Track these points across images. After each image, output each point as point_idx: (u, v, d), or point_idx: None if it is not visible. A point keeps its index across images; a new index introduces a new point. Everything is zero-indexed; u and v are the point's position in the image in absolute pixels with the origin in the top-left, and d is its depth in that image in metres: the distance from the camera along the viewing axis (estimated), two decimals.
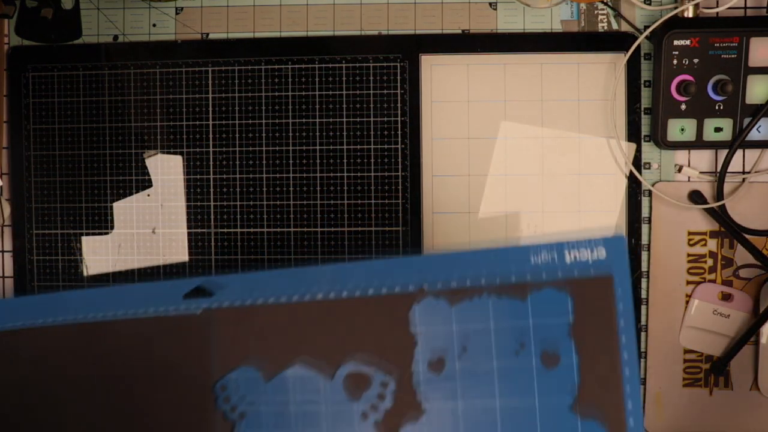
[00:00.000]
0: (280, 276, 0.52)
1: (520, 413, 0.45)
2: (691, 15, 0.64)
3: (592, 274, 0.44)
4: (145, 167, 0.69)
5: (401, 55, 0.67)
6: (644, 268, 0.67)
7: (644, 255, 0.67)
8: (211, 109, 0.68)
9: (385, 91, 0.67)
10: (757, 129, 0.64)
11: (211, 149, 0.68)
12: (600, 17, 0.68)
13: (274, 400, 0.51)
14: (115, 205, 0.69)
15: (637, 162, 0.67)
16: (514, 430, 0.45)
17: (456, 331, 0.47)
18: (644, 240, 0.67)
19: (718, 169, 0.66)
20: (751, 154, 0.67)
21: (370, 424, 0.48)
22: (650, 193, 0.67)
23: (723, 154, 0.66)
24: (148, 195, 0.69)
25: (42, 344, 0.57)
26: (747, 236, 0.65)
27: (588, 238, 0.45)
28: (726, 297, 0.67)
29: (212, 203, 0.69)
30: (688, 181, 0.67)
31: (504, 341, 0.46)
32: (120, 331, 0.55)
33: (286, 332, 0.51)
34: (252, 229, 0.68)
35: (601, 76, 0.67)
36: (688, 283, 0.67)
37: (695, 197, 0.66)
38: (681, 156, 0.67)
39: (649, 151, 0.67)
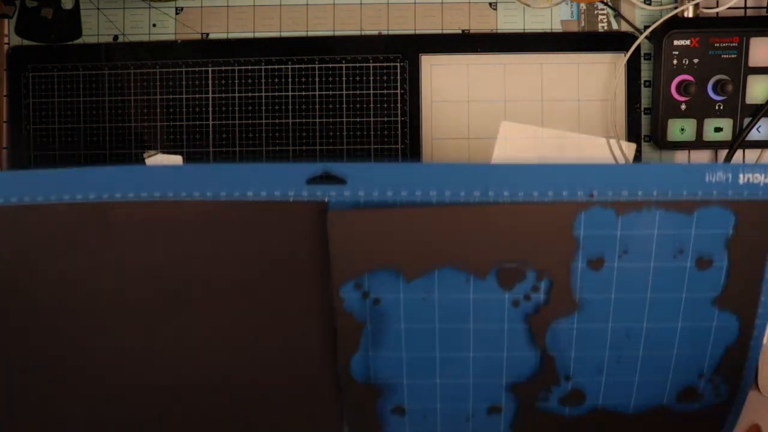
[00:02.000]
0: (431, 170, 0.48)
1: (667, 303, 0.49)
2: (691, 15, 0.64)
3: (760, 197, 0.47)
4: None
5: (401, 55, 0.67)
6: None
7: None
8: (211, 109, 0.68)
9: (385, 91, 0.67)
10: (757, 129, 0.64)
11: (211, 149, 0.68)
12: (600, 17, 0.68)
13: (416, 291, 0.49)
14: None
15: (637, 162, 0.67)
16: (660, 316, 0.50)
17: (619, 236, 0.48)
18: None
19: None
20: (751, 154, 0.67)
21: (521, 316, 0.50)
22: None
23: (723, 154, 0.66)
24: None
25: (122, 223, 0.49)
26: None
27: (761, 164, 0.50)
28: None
29: None
30: None
31: (664, 247, 0.48)
32: (219, 215, 0.49)
33: (433, 236, 0.48)
34: None
35: (601, 76, 0.67)
36: None
37: None
38: (681, 156, 0.67)
39: (649, 151, 0.67)
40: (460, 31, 0.68)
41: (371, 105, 0.67)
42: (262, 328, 0.51)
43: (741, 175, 0.47)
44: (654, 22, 0.65)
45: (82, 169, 0.50)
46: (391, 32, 0.68)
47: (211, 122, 0.68)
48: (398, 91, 0.67)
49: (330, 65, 0.67)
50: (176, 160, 0.67)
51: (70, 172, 0.49)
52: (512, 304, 0.49)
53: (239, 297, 0.51)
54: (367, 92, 0.67)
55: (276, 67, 0.68)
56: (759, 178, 0.47)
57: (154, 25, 0.68)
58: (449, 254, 0.49)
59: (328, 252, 0.49)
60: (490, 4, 0.68)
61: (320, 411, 0.54)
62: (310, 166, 0.48)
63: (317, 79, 0.67)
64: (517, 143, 0.67)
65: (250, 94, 0.68)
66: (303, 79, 0.67)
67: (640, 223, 0.48)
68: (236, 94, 0.68)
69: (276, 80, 0.68)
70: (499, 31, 0.68)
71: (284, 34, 0.68)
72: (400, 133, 0.67)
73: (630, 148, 0.67)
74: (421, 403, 0.53)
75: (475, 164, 0.50)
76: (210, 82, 0.68)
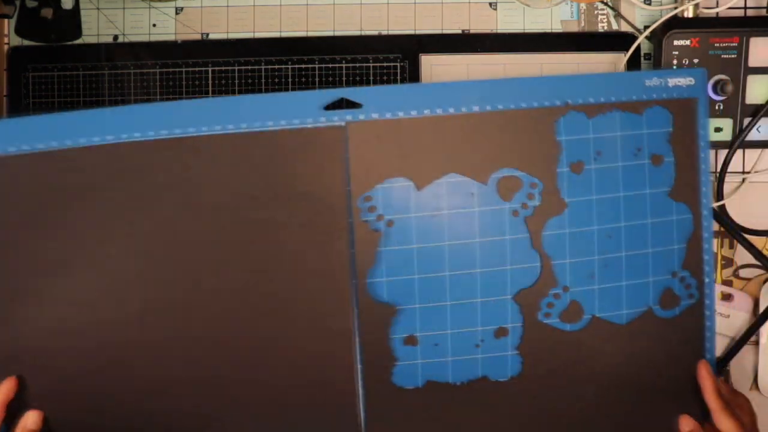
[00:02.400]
0: (431, 89, 0.56)
1: (637, 199, 0.58)
2: (691, 15, 0.64)
3: (685, 96, 0.58)
4: None
5: (401, 55, 0.67)
6: None
7: None
8: None
9: None
10: (757, 129, 0.64)
11: None
12: (600, 17, 0.68)
13: (426, 206, 0.55)
14: None
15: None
16: (632, 212, 0.58)
17: (592, 140, 0.57)
18: None
19: (718, 169, 0.66)
20: (751, 154, 0.67)
21: (521, 220, 0.56)
22: None
23: (723, 154, 0.66)
24: None
25: (149, 159, 0.54)
26: (747, 236, 0.65)
27: (681, 69, 0.62)
28: (726, 297, 0.67)
29: None
30: None
31: (627, 146, 0.57)
32: (244, 146, 0.54)
33: (439, 144, 0.55)
34: None
35: None
36: None
37: None
38: None
39: None
40: (460, 31, 0.68)
41: None
42: (285, 250, 0.55)
43: (670, 80, 0.58)
44: (654, 22, 0.65)
45: (95, 111, 0.54)
46: (391, 32, 0.68)
47: None
48: None
49: (330, 65, 0.67)
50: None
51: (89, 113, 0.54)
52: (512, 214, 0.56)
53: (263, 221, 0.55)
54: None
55: (276, 67, 0.68)
56: (682, 81, 0.58)
57: (154, 25, 0.69)
58: (454, 160, 0.55)
59: (347, 167, 0.54)
60: (490, 4, 0.68)
61: (336, 339, 0.57)
62: (327, 93, 0.54)
63: (317, 79, 0.67)
64: None
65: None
66: (303, 79, 0.67)
67: (606, 125, 0.57)
68: (236, 94, 0.68)
69: (276, 80, 0.68)
70: (499, 31, 0.68)
71: (284, 34, 0.68)
72: None
73: None
74: (433, 329, 0.57)
75: (473, 81, 0.57)
76: (210, 82, 0.68)
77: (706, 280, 0.59)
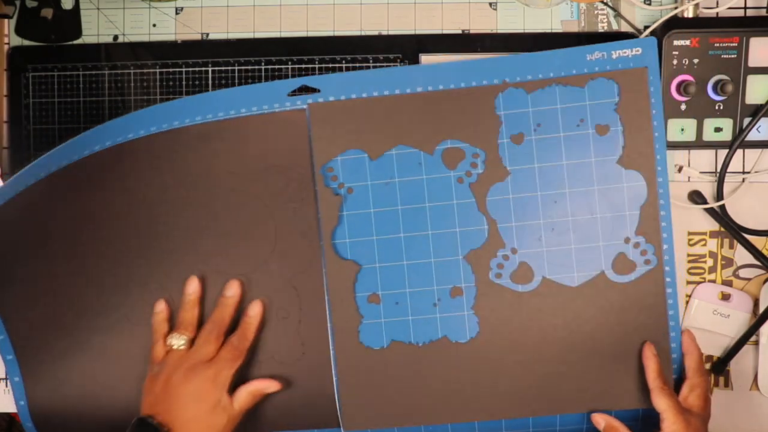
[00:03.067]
0: (379, 75, 0.63)
1: (581, 167, 0.62)
2: (691, 15, 0.64)
3: (632, 66, 0.61)
4: None
5: (401, 55, 0.67)
6: None
7: None
8: None
9: None
10: (757, 129, 0.64)
11: None
12: (600, 17, 0.68)
13: (380, 174, 0.62)
14: None
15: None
16: (577, 180, 0.62)
17: (531, 113, 0.61)
18: None
19: (718, 169, 0.66)
20: (751, 154, 0.67)
21: (466, 186, 0.62)
22: None
23: (723, 154, 0.66)
24: None
25: (142, 157, 0.62)
26: (747, 236, 0.65)
27: (628, 40, 0.62)
28: (726, 297, 0.67)
29: None
30: (688, 181, 0.67)
31: (568, 118, 0.61)
32: (218, 131, 0.62)
33: (389, 120, 0.62)
34: None
35: None
36: (688, 283, 0.67)
37: (695, 197, 0.66)
38: (681, 156, 0.67)
39: None
40: (460, 31, 0.68)
41: None
42: (261, 216, 0.63)
43: (614, 52, 0.61)
44: (654, 22, 0.65)
45: (81, 136, 0.63)
46: (391, 32, 0.68)
47: None
48: None
49: (330, 65, 0.67)
50: None
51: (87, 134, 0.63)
52: (457, 181, 0.62)
53: (240, 192, 0.63)
54: None
55: (276, 67, 0.68)
56: (627, 52, 0.61)
57: (154, 25, 0.69)
58: (403, 134, 0.62)
59: (310, 142, 0.62)
60: (490, 4, 0.68)
61: (308, 298, 0.63)
62: (290, 82, 0.63)
63: None
64: None
65: None
66: None
67: (546, 99, 0.61)
68: None
69: (276, 80, 0.67)
70: (499, 31, 0.68)
71: (284, 34, 0.68)
72: None
73: None
74: (393, 288, 0.63)
75: (417, 65, 0.65)
76: (210, 82, 0.68)
77: (665, 246, 0.62)
